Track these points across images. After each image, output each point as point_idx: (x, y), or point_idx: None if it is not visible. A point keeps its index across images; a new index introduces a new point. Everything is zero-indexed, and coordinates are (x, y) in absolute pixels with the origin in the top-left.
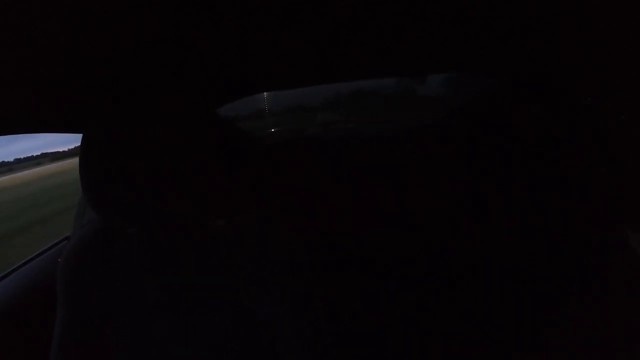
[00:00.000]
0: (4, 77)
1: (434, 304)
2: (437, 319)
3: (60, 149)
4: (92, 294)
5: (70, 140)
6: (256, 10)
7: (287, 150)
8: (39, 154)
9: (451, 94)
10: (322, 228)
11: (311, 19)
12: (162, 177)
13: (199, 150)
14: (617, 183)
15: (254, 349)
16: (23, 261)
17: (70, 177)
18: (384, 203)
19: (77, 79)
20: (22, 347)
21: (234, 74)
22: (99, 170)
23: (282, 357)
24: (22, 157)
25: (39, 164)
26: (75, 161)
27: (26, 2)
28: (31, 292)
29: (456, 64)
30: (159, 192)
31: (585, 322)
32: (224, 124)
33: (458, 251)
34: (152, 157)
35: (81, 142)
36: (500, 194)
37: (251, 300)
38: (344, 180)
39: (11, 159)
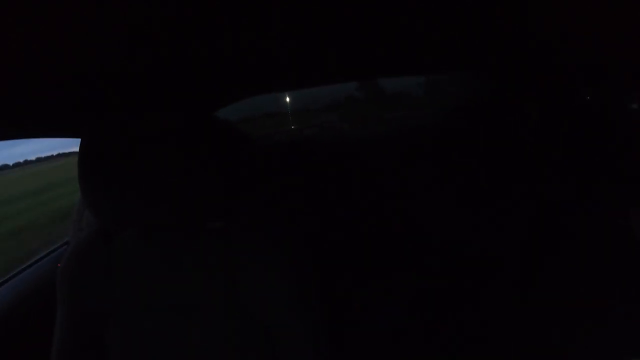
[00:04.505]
0: (3, 79)
1: (434, 303)
2: (437, 319)
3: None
4: (92, 297)
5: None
6: (255, 12)
7: (285, 151)
8: (55, 154)
9: (451, 94)
10: (321, 228)
11: (311, 20)
12: (160, 180)
13: (197, 152)
14: (622, 179)
15: (252, 350)
16: (23, 266)
17: None
18: (383, 203)
19: (74, 83)
20: (23, 353)
21: (233, 76)
22: (97, 173)
23: (281, 358)
24: (42, 156)
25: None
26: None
27: (24, 3)
28: (31, 298)
29: (456, 64)
30: (157, 194)
31: (591, 321)
32: (222, 125)
33: (458, 250)
34: (150, 159)
35: (79, 146)
36: (501, 193)
37: (250, 300)
38: (343, 180)
39: (33, 158)
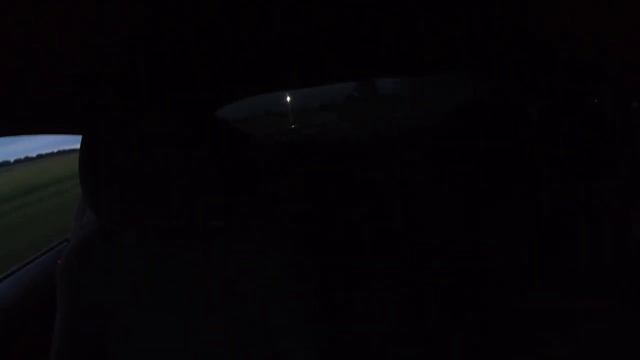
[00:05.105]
0: (3, 79)
1: (434, 303)
2: (437, 319)
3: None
4: (92, 295)
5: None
6: (255, 11)
7: (285, 151)
8: (56, 150)
9: (451, 94)
10: (321, 228)
11: (311, 19)
12: (160, 179)
13: (197, 152)
14: (622, 179)
15: (252, 350)
16: (23, 263)
17: None
18: (383, 203)
19: (76, 80)
20: (22, 349)
21: (233, 76)
22: (98, 171)
23: (281, 358)
24: (43, 153)
25: None
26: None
27: (24, 3)
28: (31, 294)
29: (456, 64)
30: (157, 194)
31: (591, 321)
32: (222, 125)
33: (459, 250)
34: (149, 159)
35: (80, 144)
36: (501, 193)
37: (249, 300)
38: (343, 180)
39: (34, 155)
